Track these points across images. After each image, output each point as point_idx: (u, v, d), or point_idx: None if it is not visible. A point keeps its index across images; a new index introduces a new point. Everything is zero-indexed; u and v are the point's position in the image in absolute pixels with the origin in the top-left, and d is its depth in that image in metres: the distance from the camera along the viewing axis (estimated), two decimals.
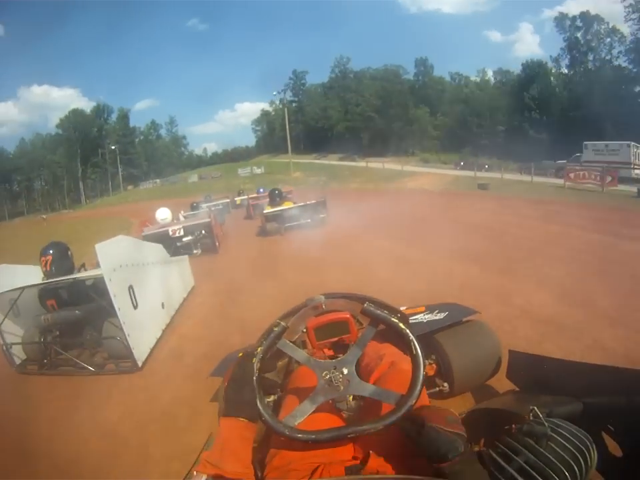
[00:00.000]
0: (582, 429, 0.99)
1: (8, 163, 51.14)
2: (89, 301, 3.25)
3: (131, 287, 3.14)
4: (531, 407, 1.03)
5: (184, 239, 7.98)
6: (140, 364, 3.03)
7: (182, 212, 9.41)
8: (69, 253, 3.50)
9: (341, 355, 1.08)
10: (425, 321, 1.99)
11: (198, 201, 15.34)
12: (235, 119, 72.08)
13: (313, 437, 0.93)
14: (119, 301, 2.91)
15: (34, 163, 51.32)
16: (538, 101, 37.44)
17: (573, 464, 0.86)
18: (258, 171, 41.26)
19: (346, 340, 1.35)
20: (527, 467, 0.90)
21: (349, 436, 0.93)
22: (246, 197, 16.17)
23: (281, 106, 51.58)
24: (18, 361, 3.39)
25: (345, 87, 49.18)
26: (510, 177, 18.68)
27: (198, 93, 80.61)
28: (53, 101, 55.83)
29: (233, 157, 57.02)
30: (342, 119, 47.14)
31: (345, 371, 1.00)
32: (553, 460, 0.88)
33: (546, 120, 36.54)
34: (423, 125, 42.46)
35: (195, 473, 1.03)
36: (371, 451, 0.95)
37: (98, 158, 53.04)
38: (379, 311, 1.02)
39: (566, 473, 0.85)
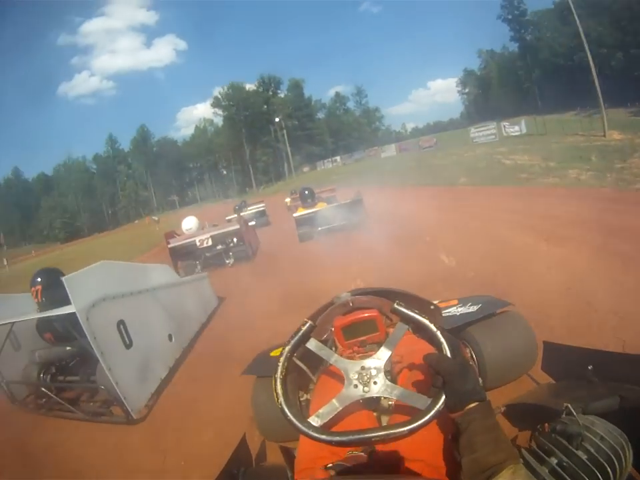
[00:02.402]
0: (618, 425, 0.95)
1: (176, 151, 47.14)
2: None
3: (121, 322, 2.81)
4: (565, 404, 0.99)
5: (216, 248, 7.67)
6: (135, 415, 2.65)
7: (207, 223, 8.88)
8: (62, 279, 3.11)
9: (372, 354, 1.04)
10: (458, 314, 1.96)
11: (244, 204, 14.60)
12: (429, 97, 70.52)
13: (337, 438, 0.91)
14: (103, 342, 2.58)
15: (201, 147, 47.20)
16: None
17: (606, 465, 0.83)
18: (513, 130, 24.11)
19: (376, 338, 1.31)
20: (559, 470, 0.87)
21: (373, 439, 0.90)
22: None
23: (489, 58, 38.66)
24: (20, 397, 3.25)
25: (592, 3, 29.72)
26: None
27: (389, 73, 79.77)
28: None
29: (435, 130, 45.99)
30: (619, 44, 27.78)
31: (373, 372, 0.98)
32: (586, 462, 0.84)
33: None
34: None
35: None
36: (397, 456, 0.94)
37: (269, 136, 46.70)
38: (409, 311, 0.98)
39: (599, 475, 0.82)
